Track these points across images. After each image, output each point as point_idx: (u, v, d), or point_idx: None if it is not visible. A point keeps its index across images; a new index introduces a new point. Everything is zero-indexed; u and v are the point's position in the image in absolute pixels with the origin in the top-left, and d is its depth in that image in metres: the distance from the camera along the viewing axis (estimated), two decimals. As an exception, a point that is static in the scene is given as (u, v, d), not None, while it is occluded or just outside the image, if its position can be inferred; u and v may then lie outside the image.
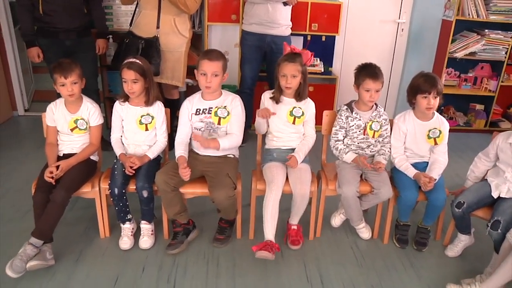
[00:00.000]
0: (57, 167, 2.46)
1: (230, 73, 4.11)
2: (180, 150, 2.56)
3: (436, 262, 2.62)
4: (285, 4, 3.58)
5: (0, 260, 2.41)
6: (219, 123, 2.55)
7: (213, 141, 2.49)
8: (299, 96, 2.61)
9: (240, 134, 2.60)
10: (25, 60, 4.76)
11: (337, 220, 2.80)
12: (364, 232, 2.76)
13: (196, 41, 4.01)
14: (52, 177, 2.42)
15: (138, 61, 2.56)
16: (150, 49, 3.34)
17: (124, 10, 3.91)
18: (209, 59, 2.44)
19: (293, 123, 2.63)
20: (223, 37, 4.25)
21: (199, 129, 2.59)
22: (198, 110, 2.57)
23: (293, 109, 2.62)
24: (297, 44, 4.16)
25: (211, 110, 2.55)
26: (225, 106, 2.55)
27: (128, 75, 2.51)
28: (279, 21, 3.62)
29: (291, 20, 3.74)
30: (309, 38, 4.19)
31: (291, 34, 3.84)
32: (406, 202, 2.59)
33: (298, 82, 2.56)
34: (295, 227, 2.67)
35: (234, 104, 2.57)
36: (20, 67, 4.70)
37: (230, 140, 2.54)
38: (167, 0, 3.24)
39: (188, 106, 2.59)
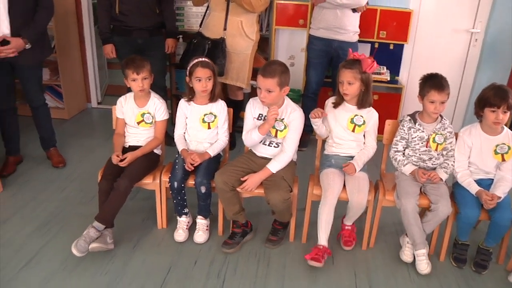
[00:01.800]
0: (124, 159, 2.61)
1: (295, 77, 4.18)
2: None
3: (495, 287, 2.48)
4: (354, 10, 3.55)
5: (66, 239, 2.59)
6: (276, 135, 2.57)
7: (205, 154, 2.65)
8: (360, 103, 2.58)
9: (292, 151, 2.58)
10: (101, 56, 5.03)
11: (407, 253, 2.56)
12: (423, 263, 2.47)
13: (263, 44, 4.06)
14: (120, 163, 2.59)
15: (208, 60, 2.65)
16: (216, 49, 3.43)
17: (195, 12, 4.04)
18: (262, 75, 2.44)
19: (353, 130, 2.61)
20: (290, 41, 4.27)
21: None
22: (260, 116, 2.61)
23: (354, 116, 2.59)
24: (364, 51, 4.11)
25: None
26: (282, 119, 2.55)
27: (203, 73, 2.59)
28: (347, 27, 3.59)
29: (359, 27, 3.70)
30: (376, 45, 4.12)
31: (359, 41, 3.79)
32: (466, 220, 2.47)
33: (356, 89, 2.53)
34: (349, 228, 2.66)
35: (292, 117, 2.56)
36: (97, 62, 4.97)
37: (280, 161, 2.55)
38: (235, 2, 3.32)
39: (252, 109, 2.64)
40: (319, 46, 3.72)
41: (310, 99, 3.90)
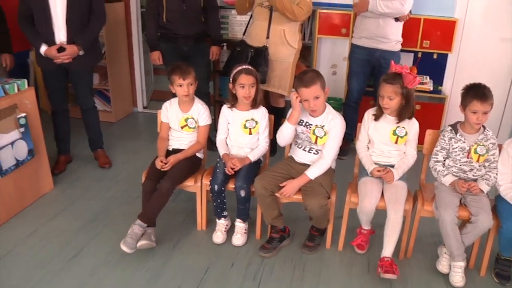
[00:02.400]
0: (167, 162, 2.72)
1: (337, 85, 4.23)
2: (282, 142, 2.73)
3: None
4: (396, 19, 3.54)
5: (110, 235, 2.75)
6: (315, 142, 2.62)
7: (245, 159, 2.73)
8: (401, 116, 2.58)
9: (331, 158, 2.61)
10: (148, 62, 5.20)
11: (443, 263, 2.55)
12: (458, 276, 2.43)
13: (305, 53, 4.10)
14: (162, 166, 2.69)
15: (251, 67, 2.73)
16: (259, 57, 3.50)
17: (239, 20, 4.14)
18: (305, 86, 2.49)
19: (396, 142, 2.61)
20: (333, 50, 4.30)
21: (300, 139, 2.70)
22: (301, 121, 2.66)
23: (396, 128, 2.59)
24: (407, 60, 4.09)
25: (310, 127, 2.62)
26: (323, 126, 2.59)
27: (247, 80, 2.67)
28: (389, 36, 3.59)
29: (402, 36, 3.69)
30: (419, 55, 4.09)
31: (401, 50, 3.77)
32: (508, 234, 2.41)
33: (396, 103, 2.52)
34: (388, 259, 2.45)
35: (333, 125, 2.59)
36: (143, 68, 5.15)
37: (319, 167, 2.59)
38: (277, 11, 3.39)
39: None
40: (361, 55, 3.73)
41: (351, 107, 3.91)
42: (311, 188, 2.54)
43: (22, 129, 2.96)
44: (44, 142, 3.24)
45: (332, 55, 4.31)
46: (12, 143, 2.89)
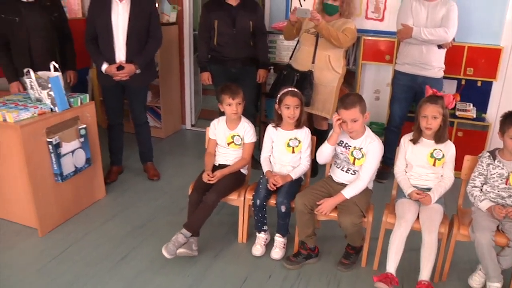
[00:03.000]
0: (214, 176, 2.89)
1: (380, 110, 4.31)
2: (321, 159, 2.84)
3: None
4: (440, 46, 3.61)
5: (156, 242, 2.92)
6: (353, 163, 2.72)
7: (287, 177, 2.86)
8: (438, 138, 2.64)
9: (367, 179, 2.69)
10: (197, 82, 5.46)
11: (476, 279, 2.62)
12: None
13: (350, 77, 4.22)
14: (209, 180, 2.86)
15: (295, 89, 2.88)
16: (304, 81, 3.64)
17: (286, 45, 4.30)
18: (345, 108, 2.61)
19: (434, 165, 2.67)
20: (376, 75, 4.39)
21: (339, 159, 2.81)
22: (341, 142, 2.77)
23: (433, 151, 2.66)
24: (451, 87, 4.12)
25: (349, 148, 2.73)
26: (361, 148, 2.69)
27: (292, 101, 2.82)
28: (432, 63, 3.65)
29: (445, 63, 3.73)
30: (463, 82, 4.11)
31: (444, 77, 3.82)
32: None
33: (439, 123, 2.60)
34: (426, 282, 2.46)
35: (370, 147, 2.68)
36: (193, 88, 5.40)
37: (355, 187, 2.68)
38: (323, 38, 3.54)
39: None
40: (403, 81, 3.80)
41: (393, 132, 3.97)
42: (346, 206, 2.65)
43: (82, 139, 3.22)
44: (100, 153, 3.50)
45: (376, 80, 4.40)
46: (72, 152, 3.15)
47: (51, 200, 3.10)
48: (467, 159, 2.77)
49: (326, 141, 2.74)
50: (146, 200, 3.59)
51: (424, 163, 2.68)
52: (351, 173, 2.76)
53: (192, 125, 5.50)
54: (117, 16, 3.39)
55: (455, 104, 2.63)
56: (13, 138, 2.87)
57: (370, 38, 4.11)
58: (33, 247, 2.94)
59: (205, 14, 3.89)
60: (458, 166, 2.71)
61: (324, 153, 2.78)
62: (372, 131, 3.85)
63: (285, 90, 2.86)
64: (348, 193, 2.68)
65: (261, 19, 3.95)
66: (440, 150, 2.65)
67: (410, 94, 3.84)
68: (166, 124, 5.13)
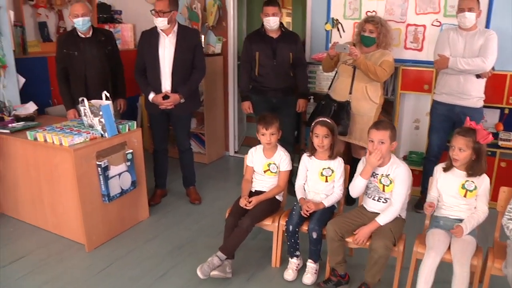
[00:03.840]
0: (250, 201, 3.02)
1: (419, 140, 4.32)
2: (355, 193, 2.90)
3: None
4: (478, 76, 3.59)
5: (193, 263, 3.05)
6: (383, 190, 2.78)
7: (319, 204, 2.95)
8: (471, 171, 2.64)
9: (399, 204, 2.73)
10: (241, 110, 5.64)
11: None
12: None
13: (388, 107, 4.27)
14: (246, 205, 3.00)
15: (328, 120, 2.99)
16: (341, 111, 3.73)
17: (326, 75, 4.40)
18: (376, 128, 2.72)
19: (464, 196, 2.68)
20: (415, 105, 4.40)
21: (369, 188, 2.86)
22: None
23: (465, 182, 2.67)
24: (493, 117, 4.08)
25: (377, 176, 2.80)
26: (388, 175, 2.75)
27: (321, 131, 2.94)
28: (470, 93, 3.63)
29: (486, 92, 3.69)
30: (506, 111, 4.05)
31: (487, 106, 3.78)
32: None
33: (466, 157, 2.60)
34: None
35: (397, 172, 2.74)
36: (237, 116, 5.60)
37: (388, 214, 2.73)
38: (360, 69, 3.64)
39: (362, 165, 2.89)
40: (441, 111, 3.81)
41: (431, 162, 3.95)
42: (380, 231, 2.69)
43: (128, 163, 3.45)
44: (145, 176, 3.72)
45: (415, 110, 4.41)
46: (119, 174, 3.38)
47: (98, 219, 3.33)
48: (503, 190, 2.74)
49: (359, 175, 2.82)
50: (187, 223, 3.76)
51: (455, 193, 2.69)
52: (383, 202, 2.81)
53: (235, 152, 5.68)
54: (164, 49, 3.65)
55: (490, 140, 2.60)
56: (67, 160, 3.15)
57: (408, 68, 4.14)
58: (81, 262, 3.18)
59: (247, 46, 4.09)
60: (494, 197, 2.69)
61: (357, 187, 2.85)
62: (411, 161, 3.90)
63: (317, 119, 2.98)
64: (382, 220, 2.73)
65: (300, 50, 4.10)
66: (472, 181, 2.65)
67: (448, 124, 3.83)
68: (210, 150, 5.33)
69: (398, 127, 4.32)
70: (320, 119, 2.99)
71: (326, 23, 4.54)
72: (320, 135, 2.93)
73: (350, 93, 3.75)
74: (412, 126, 4.45)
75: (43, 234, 3.55)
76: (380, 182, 2.77)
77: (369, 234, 2.73)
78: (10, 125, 3.63)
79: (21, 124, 3.67)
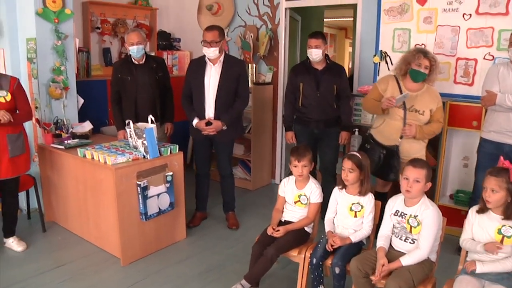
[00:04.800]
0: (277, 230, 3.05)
1: (468, 178, 4.19)
2: (381, 242, 2.79)
3: None
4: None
5: (219, 287, 3.16)
6: (410, 231, 2.70)
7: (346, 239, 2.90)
8: (507, 214, 2.51)
9: (426, 249, 2.63)
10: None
11: None
12: None
13: (435, 143, 4.15)
14: (272, 233, 3.04)
15: (357, 154, 2.97)
16: (392, 159, 3.58)
17: (371, 109, 4.37)
18: (413, 166, 2.66)
19: (501, 241, 2.54)
20: (465, 142, 4.23)
21: (396, 228, 2.79)
22: (397, 212, 2.78)
23: (502, 227, 2.53)
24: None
25: (405, 217, 2.72)
26: (416, 216, 2.67)
27: (346, 164, 2.93)
28: (520, 131, 3.46)
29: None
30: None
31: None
32: None
33: (500, 198, 2.48)
34: None
35: (425, 215, 2.65)
36: (285, 145, 5.61)
37: (413, 256, 2.63)
38: (411, 117, 3.52)
39: (390, 205, 2.83)
40: (489, 149, 3.63)
41: (477, 203, 3.78)
42: (398, 271, 2.60)
43: (168, 185, 3.60)
44: (183, 198, 3.87)
45: (464, 147, 4.24)
46: (158, 195, 3.54)
47: (134, 235, 3.49)
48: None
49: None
50: (221, 247, 3.83)
51: (491, 239, 2.54)
52: (410, 242, 2.72)
53: (281, 181, 5.69)
54: (210, 77, 3.82)
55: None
56: (109, 177, 3.36)
57: (456, 103, 4.00)
58: (114, 274, 3.37)
59: (292, 77, 4.17)
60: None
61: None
62: (458, 200, 3.73)
63: (348, 153, 2.97)
64: (406, 261, 2.63)
65: (345, 83, 4.11)
66: (510, 227, 2.51)
67: (496, 163, 3.64)
68: (255, 177, 5.41)
69: (445, 164, 4.17)
70: (351, 152, 2.98)
71: (375, 55, 4.53)
72: (345, 169, 2.92)
73: (401, 137, 3.59)
74: (460, 163, 4.28)
75: (85, 245, 3.79)
76: (408, 223, 2.70)
77: (388, 272, 2.65)
78: (66, 141, 3.93)
79: (75, 141, 3.97)
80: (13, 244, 3.73)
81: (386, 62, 4.49)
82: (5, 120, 3.29)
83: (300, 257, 3.03)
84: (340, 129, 4.16)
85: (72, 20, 4.36)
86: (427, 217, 2.65)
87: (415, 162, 2.70)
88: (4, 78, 3.47)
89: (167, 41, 5.96)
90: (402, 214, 2.74)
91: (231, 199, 4.32)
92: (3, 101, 3.38)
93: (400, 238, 2.77)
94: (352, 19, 7.35)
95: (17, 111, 3.50)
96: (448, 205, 4.06)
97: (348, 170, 2.92)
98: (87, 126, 4.28)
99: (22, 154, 3.57)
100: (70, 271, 3.38)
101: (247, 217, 4.49)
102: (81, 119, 4.43)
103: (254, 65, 5.35)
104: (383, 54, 4.48)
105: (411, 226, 2.68)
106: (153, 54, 5.38)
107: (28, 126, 4.04)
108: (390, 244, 2.85)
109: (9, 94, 3.41)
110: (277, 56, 5.34)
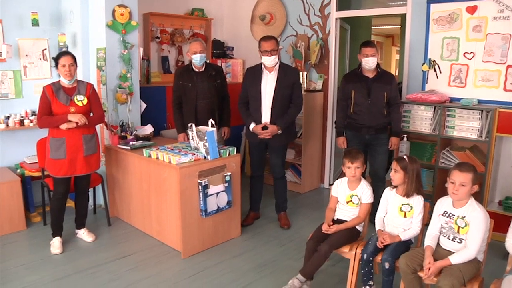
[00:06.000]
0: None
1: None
2: (429, 240, 2.93)
3: None
4: None
5: (273, 281, 3.37)
6: (458, 231, 2.81)
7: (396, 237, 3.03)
8: None
9: (474, 249, 2.71)
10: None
11: None
12: None
13: (484, 148, 4.21)
14: (326, 229, 3.23)
15: (405, 157, 3.12)
16: None
17: (420, 115, 4.47)
18: (460, 170, 2.76)
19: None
20: (514, 149, 4.28)
21: (444, 228, 2.91)
22: (445, 213, 2.89)
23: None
24: None
25: (453, 217, 2.84)
26: (463, 217, 2.78)
27: (393, 165, 3.11)
28: None
29: None
30: None
31: None
32: None
33: None
34: None
35: (473, 216, 2.74)
36: (334, 150, 5.80)
37: (462, 255, 2.73)
38: None
39: (439, 206, 2.95)
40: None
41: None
42: (449, 269, 2.70)
43: (226, 184, 3.85)
44: (240, 198, 4.11)
45: (514, 154, 4.28)
46: (217, 193, 3.79)
47: (194, 231, 3.76)
48: None
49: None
50: (273, 244, 4.04)
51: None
52: (457, 242, 2.83)
53: (330, 185, 5.82)
54: (266, 85, 4.06)
55: None
56: (173, 176, 3.64)
57: (505, 110, 4.00)
58: (175, 266, 3.64)
59: (344, 84, 4.35)
60: None
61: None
62: (507, 207, 3.80)
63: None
64: (454, 259, 2.74)
65: (395, 90, 4.24)
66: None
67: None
68: (305, 181, 5.59)
69: (494, 171, 4.22)
70: (399, 156, 3.14)
71: (423, 63, 4.62)
72: (392, 170, 3.09)
73: None
74: (510, 170, 4.31)
75: (147, 239, 4.11)
76: (456, 223, 2.81)
77: (439, 270, 2.76)
78: (131, 143, 4.27)
79: (139, 142, 4.30)
80: (84, 235, 4.09)
81: (435, 70, 4.58)
82: (82, 122, 3.66)
83: (351, 253, 3.20)
84: (390, 135, 4.30)
85: (137, 31, 4.72)
86: (475, 218, 2.75)
87: (461, 167, 2.78)
88: (82, 84, 3.84)
89: (221, 50, 6.28)
90: (450, 215, 2.85)
91: (283, 200, 4.52)
92: (81, 104, 3.75)
93: (448, 238, 2.88)
94: (399, 26, 7.46)
95: (91, 114, 3.85)
96: (497, 211, 4.07)
97: (394, 170, 3.08)
98: (148, 129, 4.60)
99: (94, 153, 3.92)
100: (135, 261, 3.69)
101: (297, 218, 4.69)
102: (143, 123, 4.78)
103: (305, 73, 5.55)
104: (432, 63, 4.58)
105: (458, 227, 2.79)
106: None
107: (97, 128, 4.41)
108: (438, 242, 2.98)
109: (85, 99, 3.78)
110: (327, 64, 5.53)
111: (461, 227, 2.78)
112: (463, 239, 2.81)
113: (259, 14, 6.06)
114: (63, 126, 3.67)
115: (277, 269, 3.59)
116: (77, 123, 3.66)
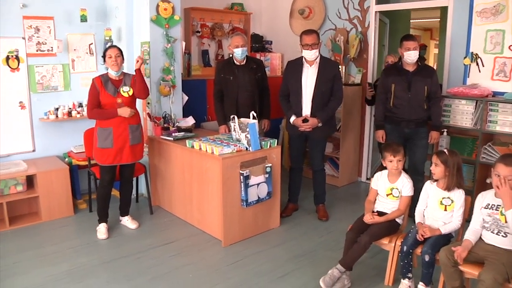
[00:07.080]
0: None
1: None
2: (468, 235, 2.90)
3: None
4: None
5: (311, 271, 3.44)
6: (505, 221, 2.78)
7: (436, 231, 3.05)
8: None
9: None
10: (376, 139, 5.83)
11: None
12: None
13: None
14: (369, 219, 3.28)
15: (445, 151, 3.11)
16: None
17: (461, 109, 4.41)
18: (505, 163, 2.73)
19: None
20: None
21: (487, 222, 2.89)
22: (488, 205, 2.87)
23: None
24: None
25: (499, 208, 2.81)
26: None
27: (433, 158, 3.12)
28: None
29: None
30: None
31: None
32: None
33: None
34: None
35: None
36: (372, 144, 5.78)
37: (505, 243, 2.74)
38: None
39: (480, 199, 2.94)
40: None
41: None
42: (492, 263, 2.69)
43: (266, 175, 3.93)
44: (279, 189, 4.19)
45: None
46: (258, 184, 3.88)
47: (235, 220, 3.86)
48: None
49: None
50: (312, 235, 4.11)
51: None
52: (502, 235, 2.79)
53: (367, 179, 5.84)
54: (307, 78, 4.11)
55: None
56: (216, 166, 3.75)
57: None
58: (216, 253, 3.76)
59: (384, 78, 4.35)
60: None
61: None
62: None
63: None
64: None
65: (436, 84, 4.21)
66: None
67: None
68: (342, 174, 5.62)
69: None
70: (440, 149, 3.14)
71: (465, 57, 4.55)
72: (433, 163, 3.10)
73: None
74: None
75: (189, 227, 4.25)
76: (502, 214, 2.79)
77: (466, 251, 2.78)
78: (173, 134, 4.40)
79: (181, 134, 4.43)
80: (128, 222, 4.27)
81: (477, 64, 4.50)
82: (131, 115, 3.83)
83: (390, 245, 3.23)
84: (430, 129, 4.28)
85: (180, 25, 4.84)
86: None
87: (506, 160, 2.75)
88: (128, 76, 4.00)
89: (259, 44, 6.36)
90: (493, 206, 2.84)
91: (322, 193, 4.58)
92: (127, 95, 3.93)
93: (492, 232, 2.86)
94: (439, 19, 7.33)
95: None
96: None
97: (434, 164, 3.09)
98: (190, 121, 4.74)
99: (139, 143, 4.08)
100: (177, 248, 3.83)
101: (335, 210, 4.74)
102: (185, 115, 4.92)
103: (344, 67, 5.56)
104: (474, 56, 4.50)
105: (505, 217, 2.75)
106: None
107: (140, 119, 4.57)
108: (481, 237, 2.96)
109: (131, 89, 3.95)
110: (366, 58, 5.52)
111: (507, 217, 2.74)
112: (508, 233, 2.78)
113: (298, 8, 6.10)
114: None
115: (315, 259, 3.66)
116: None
